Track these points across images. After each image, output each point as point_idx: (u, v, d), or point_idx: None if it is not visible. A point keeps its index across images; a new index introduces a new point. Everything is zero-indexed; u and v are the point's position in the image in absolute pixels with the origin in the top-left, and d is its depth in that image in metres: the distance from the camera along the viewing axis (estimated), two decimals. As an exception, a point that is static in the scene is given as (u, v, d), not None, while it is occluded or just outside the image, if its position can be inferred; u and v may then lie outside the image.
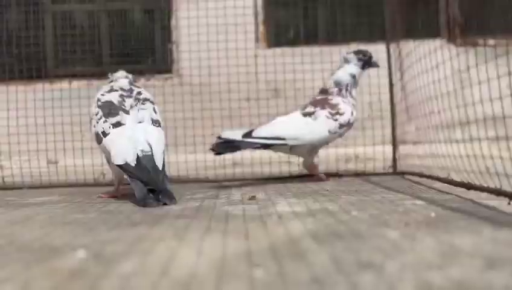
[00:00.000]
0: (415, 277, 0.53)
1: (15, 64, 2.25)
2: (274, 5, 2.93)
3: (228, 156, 2.12)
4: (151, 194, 1.15)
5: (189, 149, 1.99)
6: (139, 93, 1.40)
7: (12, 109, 1.98)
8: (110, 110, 1.32)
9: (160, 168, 1.20)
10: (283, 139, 1.61)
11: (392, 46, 1.86)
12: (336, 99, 1.66)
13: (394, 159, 1.83)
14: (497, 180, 1.04)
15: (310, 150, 1.66)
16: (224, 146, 1.58)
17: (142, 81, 2.74)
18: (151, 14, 3.07)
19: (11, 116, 1.99)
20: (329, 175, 1.77)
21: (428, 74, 1.40)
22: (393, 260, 0.60)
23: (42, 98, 1.97)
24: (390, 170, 1.82)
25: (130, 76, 1.50)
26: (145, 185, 1.16)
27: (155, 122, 1.33)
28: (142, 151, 1.21)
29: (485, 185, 1.06)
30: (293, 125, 1.64)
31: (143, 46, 3.08)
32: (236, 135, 1.60)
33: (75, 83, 2.56)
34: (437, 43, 1.42)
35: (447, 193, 1.20)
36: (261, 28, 2.78)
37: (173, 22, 2.87)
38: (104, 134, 1.29)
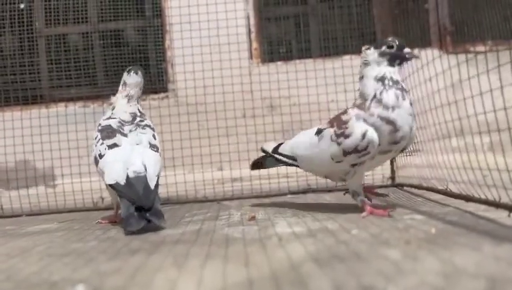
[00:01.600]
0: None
1: (10, 91, 2.26)
2: (266, 21, 2.95)
3: (226, 172, 2.12)
4: (136, 213, 1.13)
5: (187, 169, 1.99)
6: (141, 120, 1.41)
7: (9, 136, 1.98)
8: (108, 133, 1.33)
9: (152, 188, 1.19)
10: (295, 159, 1.33)
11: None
12: (349, 114, 1.17)
13: (392, 171, 1.83)
14: (495, 191, 1.04)
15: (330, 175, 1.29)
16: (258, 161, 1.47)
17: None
18: (144, 34, 3.09)
19: (8, 144, 1.99)
20: (329, 190, 1.77)
21: (422, 84, 1.41)
22: (395, 284, 0.59)
23: (39, 123, 1.97)
24: (389, 182, 1.82)
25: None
26: (132, 204, 1.14)
27: (153, 147, 1.33)
28: (134, 172, 1.21)
29: (484, 196, 1.06)
30: (303, 144, 1.30)
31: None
32: (270, 147, 1.41)
33: (71, 106, 2.56)
34: (429, 52, 1.43)
35: (446, 205, 1.19)
36: (254, 44, 2.80)
37: (167, 41, 2.89)
38: (100, 156, 1.30)
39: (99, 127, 1.38)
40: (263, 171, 1.99)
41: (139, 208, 1.14)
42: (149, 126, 1.40)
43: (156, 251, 0.91)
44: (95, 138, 1.36)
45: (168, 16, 2.64)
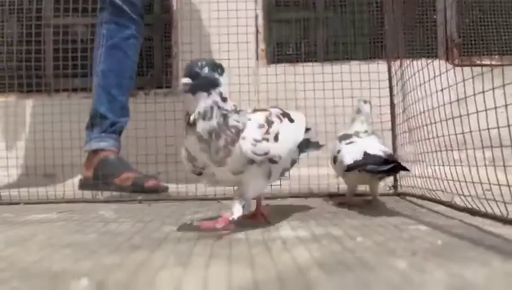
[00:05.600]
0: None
1: (15, 78, 2.24)
2: (274, 23, 2.95)
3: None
4: None
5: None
6: None
7: (11, 122, 1.97)
8: None
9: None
10: None
11: (394, 66, 1.87)
12: None
13: (395, 180, 1.82)
14: (503, 206, 1.04)
15: None
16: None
17: (141, 96, 2.74)
18: (151, 28, 3.08)
19: (9, 129, 1.97)
20: (331, 195, 1.76)
21: (427, 96, 1.41)
22: (405, 295, 0.58)
23: (42, 111, 1.96)
24: (391, 191, 1.81)
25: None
26: None
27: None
28: None
29: (490, 211, 1.05)
30: None
31: (142, 61, 3.09)
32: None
33: (75, 97, 2.55)
34: (436, 63, 1.43)
35: (451, 218, 1.18)
36: (261, 45, 2.79)
37: (174, 36, 2.88)
38: None
39: None
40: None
41: None
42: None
43: (158, 248, 0.90)
44: None
45: (177, 12, 2.63)
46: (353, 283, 0.64)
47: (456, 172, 1.25)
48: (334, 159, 1.50)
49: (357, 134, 1.53)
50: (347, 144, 1.47)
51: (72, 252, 0.87)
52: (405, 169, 1.28)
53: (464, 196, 1.15)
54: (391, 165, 1.24)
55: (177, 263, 0.76)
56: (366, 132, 1.55)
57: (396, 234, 1.01)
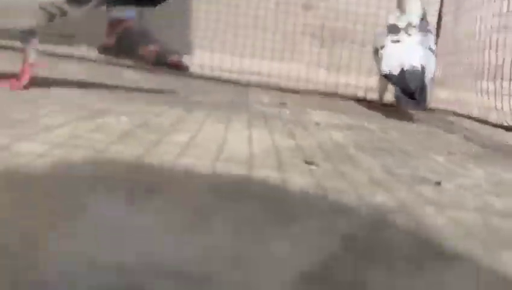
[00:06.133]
0: (475, 197, 0.51)
1: None
2: None
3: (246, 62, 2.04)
4: None
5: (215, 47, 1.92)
6: None
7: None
8: None
9: None
10: None
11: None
12: None
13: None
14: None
15: None
16: None
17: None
18: None
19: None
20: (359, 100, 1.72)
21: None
22: (449, 181, 0.58)
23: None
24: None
25: None
26: None
27: None
28: None
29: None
30: None
31: None
32: None
33: None
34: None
35: (482, 134, 1.17)
36: None
37: None
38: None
39: None
40: (290, 72, 1.91)
41: None
42: None
43: (194, 108, 0.89)
44: None
45: None
46: (394, 164, 0.63)
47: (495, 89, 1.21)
48: (376, 51, 1.43)
49: (407, 29, 1.37)
50: (393, 42, 1.38)
51: (107, 95, 0.87)
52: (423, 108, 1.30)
53: (502, 109, 1.11)
54: (413, 102, 1.23)
55: (217, 121, 0.76)
56: (420, 25, 1.37)
57: (429, 137, 1.00)
